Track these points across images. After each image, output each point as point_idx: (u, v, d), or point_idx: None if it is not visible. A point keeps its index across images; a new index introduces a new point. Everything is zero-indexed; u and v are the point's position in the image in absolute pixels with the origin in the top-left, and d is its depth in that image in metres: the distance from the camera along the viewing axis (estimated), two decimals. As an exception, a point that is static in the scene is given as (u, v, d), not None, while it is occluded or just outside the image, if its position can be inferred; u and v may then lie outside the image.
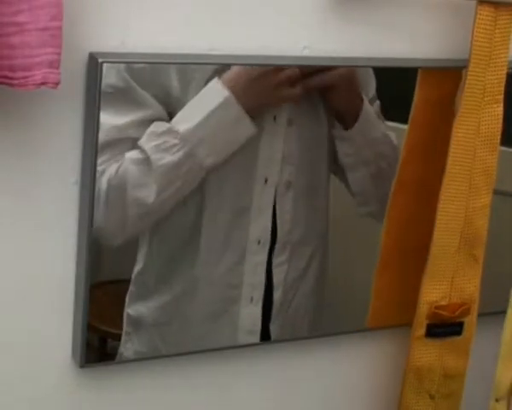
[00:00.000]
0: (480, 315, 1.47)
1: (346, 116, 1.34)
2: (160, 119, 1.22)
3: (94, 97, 1.15)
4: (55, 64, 1.06)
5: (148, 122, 1.22)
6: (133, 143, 1.22)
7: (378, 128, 1.37)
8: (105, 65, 1.13)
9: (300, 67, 1.27)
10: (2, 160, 1.15)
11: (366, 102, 1.34)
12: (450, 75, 1.34)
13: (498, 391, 1.37)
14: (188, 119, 1.23)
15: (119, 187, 1.21)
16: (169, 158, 1.23)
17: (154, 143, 1.22)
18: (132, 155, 1.21)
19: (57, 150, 1.17)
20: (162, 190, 1.23)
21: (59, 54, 1.06)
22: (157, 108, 1.21)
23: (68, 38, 1.08)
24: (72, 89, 1.15)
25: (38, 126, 1.15)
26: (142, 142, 1.22)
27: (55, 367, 1.26)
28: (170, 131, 1.22)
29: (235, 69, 1.24)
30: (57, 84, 1.06)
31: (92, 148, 1.16)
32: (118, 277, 1.30)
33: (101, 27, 1.14)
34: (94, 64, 1.14)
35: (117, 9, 1.15)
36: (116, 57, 1.15)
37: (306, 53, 1.27)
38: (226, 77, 1.23)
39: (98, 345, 1.30)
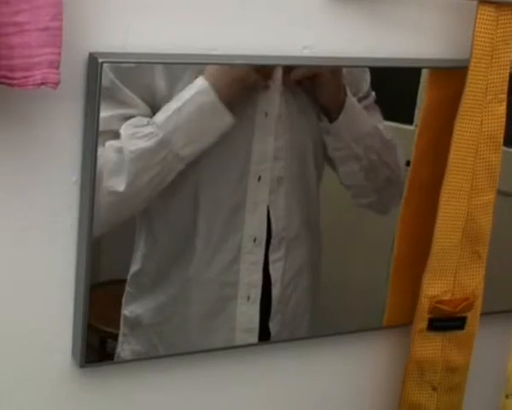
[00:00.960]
0: (486, 314, 1.47)
1: (330, 109, 1.34)
2: (144, 117, 1.22)
3: (94, 97, 1.15)
4: (54, 64, 1.06)
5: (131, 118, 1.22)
6: (115, 136, 1.21)
7: (366, 121, 1.37)
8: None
9: (300, 67, 1.27)
10: (3, 159, 1.15)
11: (350, 95, 1.34)
12: (458, 75, 1.34)
13: (509, 387, 1.37)
14: (165, 110, 1.23)
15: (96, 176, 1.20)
16: (141, 144, 1.22)
17: (129, 132, 1.21)
18: (112, 142, 1.20)
19: (57, 150, 1.17)
20: (134, 178, 1.22)
21: (59, 54, 1.06)
22: (142, 108, 1.21)
23: (68, 38, 1.09)
24: (72, 89, 1.15)
25: (38, 126, 1.15)
26: (121, 130, 1.21)
27: (55, 367, 1.26)
28: (148, 123, 1.22)
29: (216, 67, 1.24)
30: (57, 84, 1.06)
31: (92, 147, 1.16)
32: (118, 277, 1.30)
33: (101, 27, 1.14)
34: (94, 64, 1.14)
35: (117, 10, 1.15)
36: (116, 57, 1.15)
37: (306, 53, 1.27)
38: (205, 70, 1.23)
39: (98, 345, 1.30)
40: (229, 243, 1.32)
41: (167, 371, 1.33)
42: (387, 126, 1.38)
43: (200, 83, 1.23)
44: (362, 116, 1.37)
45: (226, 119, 1.25)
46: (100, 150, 1.18)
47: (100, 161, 1.18)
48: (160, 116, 1.23)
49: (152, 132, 1.22)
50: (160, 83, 1.21)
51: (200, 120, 1.25)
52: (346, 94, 1.33)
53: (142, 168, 1.23)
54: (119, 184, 1.21)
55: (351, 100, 1.34)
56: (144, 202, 1.26)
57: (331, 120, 1.34)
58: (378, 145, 1.39)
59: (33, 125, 1.15)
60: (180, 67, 1.22)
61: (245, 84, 1.26)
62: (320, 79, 1.31)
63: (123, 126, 1.21)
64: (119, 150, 1.21)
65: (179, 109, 1.23)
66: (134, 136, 1.22)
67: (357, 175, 1.39)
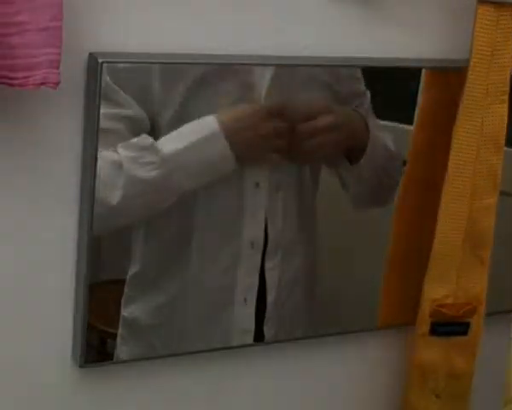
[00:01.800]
0: (487, 315, 1.46)
1: (352, 152, 1.35)
2: (138, 119, 1.21)
3: (94, 97, 1.15)
4: (55, 64, 1.06)
5: (125, 119, 1.20)
6: (106, 135, 1.18)
7: (382, 149, 1.38)
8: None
9: (300, 66, 1.27)
10: (3, 160, 1.15)
11: (372, 130, 1.35)
12: (456, 75, 1.34)
13: (508, 394, 1.36)
14: (173, 142, 1.23)
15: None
16: (142, 173, 1.22)
17: (131, 154, 1.21)
18: (108, 154, 1.19)
19: (57, 150, 1.17)
20: (129, 198, 1.21)
21: (59, 54, 1.06)
22: (136, 110, 1.20)
23: (68, 38, 1.08)
24: (72, 89, 1.15)
25: (38, 126, 1.15)
26: (121, 148, 1.20)
27: (55, 367, 1.26)
28: (151, 148, 1.22)
29: (232, 110, 1.25)
30: (57, 84, 1.07)
31: (92, 147, 1.16)
32: (118, 277, 1.30)
33: (101, 27, 1.14)
34: (94, 64, 1.14)
35: (117, 10, 1.15)
36: (116, 57, 1.15)
37: (306, 53, 1.27)
38: (221, 114, 1.24)
39: (98, 345, 1.30)
40: (227, 248, 1.32)
41: (166, 371, 1.33)
42: (387, 126, 1.39)
43: (213, 126, 1.23)
44: (379, 146, 1.37)
45: (231, 164, 1.26)
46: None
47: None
48: (167, 147, 1.22)
49: (154, 163, 1.22)
50: (156, 83, 1.20)
51: (207, 164, 1.26)
52: (368, 131, 1.34)
53: (138, 192, 1.23)
54: (112, 199, 1.21)
55: (372, 136, 1.35)
56: (136, 219, 1.27)
57: (352, 162, 1.35)
58: (388, 164, 1.40)
59: (33, 125, 1.15)
60: (177, 71, 1.21)
61: (257, 132, 1.27)
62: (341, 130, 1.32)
63: (124, 144, 1.20)
64: (115, 164, 1.20)
65: (188, 149, 1.23)
66: (136, 160, 1.21)
67: (366, 190, 1.40)
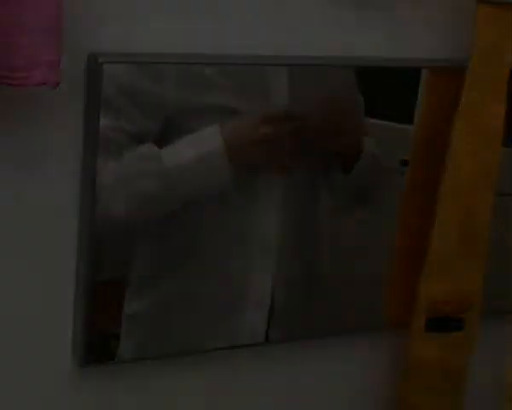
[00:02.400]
0: (486, 314, 1.47)
1: (346, 157, 1.35)
2: (140, 131, 1.21)
3: (94, 97, 1.15)
4: (55, 64, 1.06)
5: (126, 131, 1.20)
6: (106, 144, 1.18)
7: (370, 154, 1.37)
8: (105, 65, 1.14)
9: (300, 66, 1.27)
10: (2, 160, 1.15)
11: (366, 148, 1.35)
12: (457, 75, 1.34)
13: (510, 390, 1.37)
14: (176, 154, 1.23)
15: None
16: (145, 187, 1.22)
17: (137, 166, 1.21)
18: (109, 161, 1.19)
19: (57, 150, 1.18)
20: (131, 205, 1.22)
21: (59, 54, 1.06)
22: (139, 120, 1.20)
23: (68, 38, 1.09)
24: (73, 89, 1.15)
25: (38, 127, 1.15)
26: (122, 155, 1.20)
27: (55, 367, 1.26)
28: (155, 158, 1.22)
29: (235, 123, 1.25)
30: (57, 84, 1.07)
31: (93, 148, 1.17)
32: (118, 276, 1.30)
33: (101, 27, 1.14)
34: (94, 64, 1.14)
35: (117, 9, 1.15)
36: (116, 57, 1.15)
37: (306, 53, 1.27)
38: (225, 127, 1.24)
39: (98, 345, 1.30)
40: (238, 249, 1.32)
41: (168, 370, 1.33)
42: (388, 126, 1.39)
43: (216, 139, 1.24)
44: (369, 152, 1.37)
45: (227, 176, 1.26)
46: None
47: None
48: (170, 159, 1.23)
49: (158, 174, 1.23)
50: (158, 87, 1.20)
51: (208, 178, 1.26)
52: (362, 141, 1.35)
53: (140, 200, 1.24)
54: (118, 212, 1.22)
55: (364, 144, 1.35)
56: (138, 223, 1.27)
57: (346, 170, 1.35)
58: (373, 169, 1.40)
59: (33, 126, 1.15)
60: (178, 71, 1.21)
61: (257, 137, 1.27)
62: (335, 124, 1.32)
63: (129, 154, 1.20)
64: (116, 171, 1.20)
65: (190, 162, 1.24)
66: (140, 174, 1.22)
67: (352, 200, 1.41)
